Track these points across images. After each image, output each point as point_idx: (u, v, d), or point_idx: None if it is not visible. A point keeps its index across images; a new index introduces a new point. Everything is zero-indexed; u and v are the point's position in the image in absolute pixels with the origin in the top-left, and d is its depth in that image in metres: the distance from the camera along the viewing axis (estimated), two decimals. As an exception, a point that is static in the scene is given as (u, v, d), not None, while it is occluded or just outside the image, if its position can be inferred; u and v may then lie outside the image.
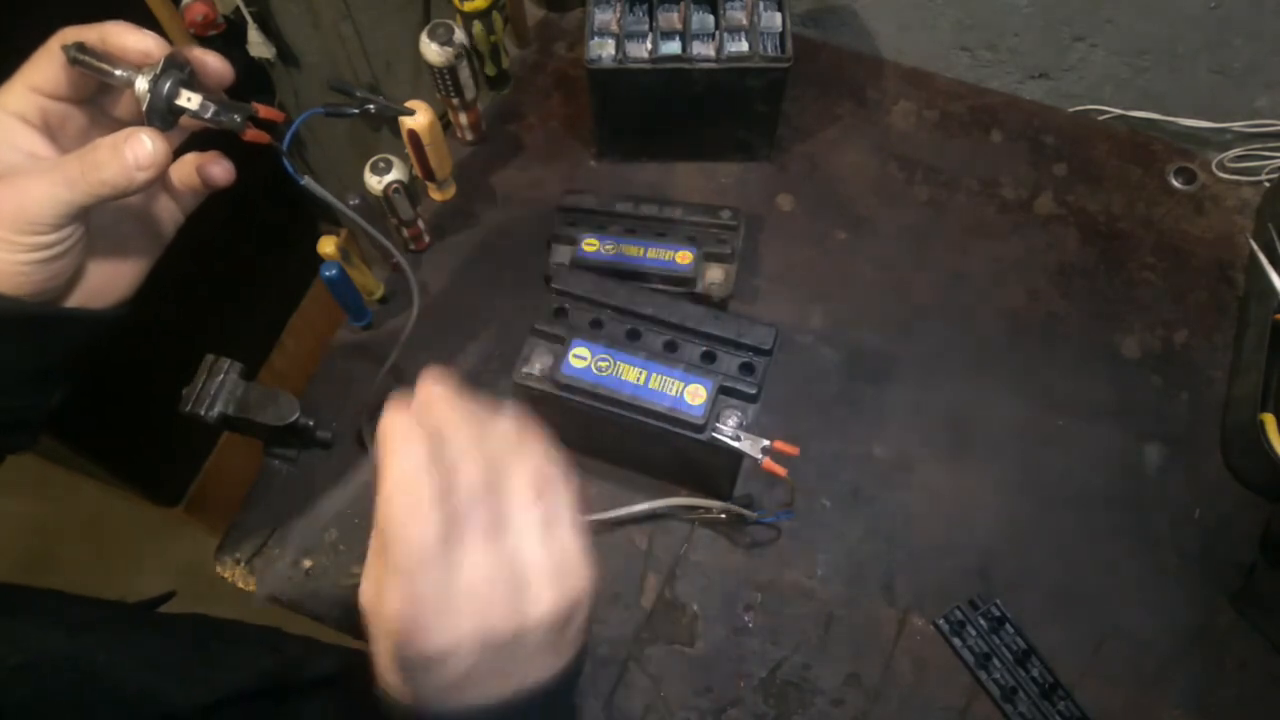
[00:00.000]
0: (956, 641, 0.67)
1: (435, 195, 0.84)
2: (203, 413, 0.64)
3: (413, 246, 0.82)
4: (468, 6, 0.78)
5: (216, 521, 1.49)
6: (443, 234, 0.83)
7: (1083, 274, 0.82)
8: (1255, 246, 0.76)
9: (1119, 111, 0.91)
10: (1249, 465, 0.72)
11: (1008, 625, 0.67)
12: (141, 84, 0.41)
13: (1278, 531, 0.68)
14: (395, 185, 0.71)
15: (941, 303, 0.81)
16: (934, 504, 0.73)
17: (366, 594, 0.36)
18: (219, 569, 0.71)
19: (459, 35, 0.76)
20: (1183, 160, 0.87)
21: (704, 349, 0.61)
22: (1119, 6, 0.82)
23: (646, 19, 0.78)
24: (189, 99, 0.42)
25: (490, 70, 0.86)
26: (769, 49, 0.76)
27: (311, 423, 0.72)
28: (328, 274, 0.69)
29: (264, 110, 0.45)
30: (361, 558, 0.69)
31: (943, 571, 0.70)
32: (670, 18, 0.79)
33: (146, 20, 0.98)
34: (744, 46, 0.76)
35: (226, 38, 1.14)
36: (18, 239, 0.40)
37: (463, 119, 0.84)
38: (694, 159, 0.87)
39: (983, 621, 0.68)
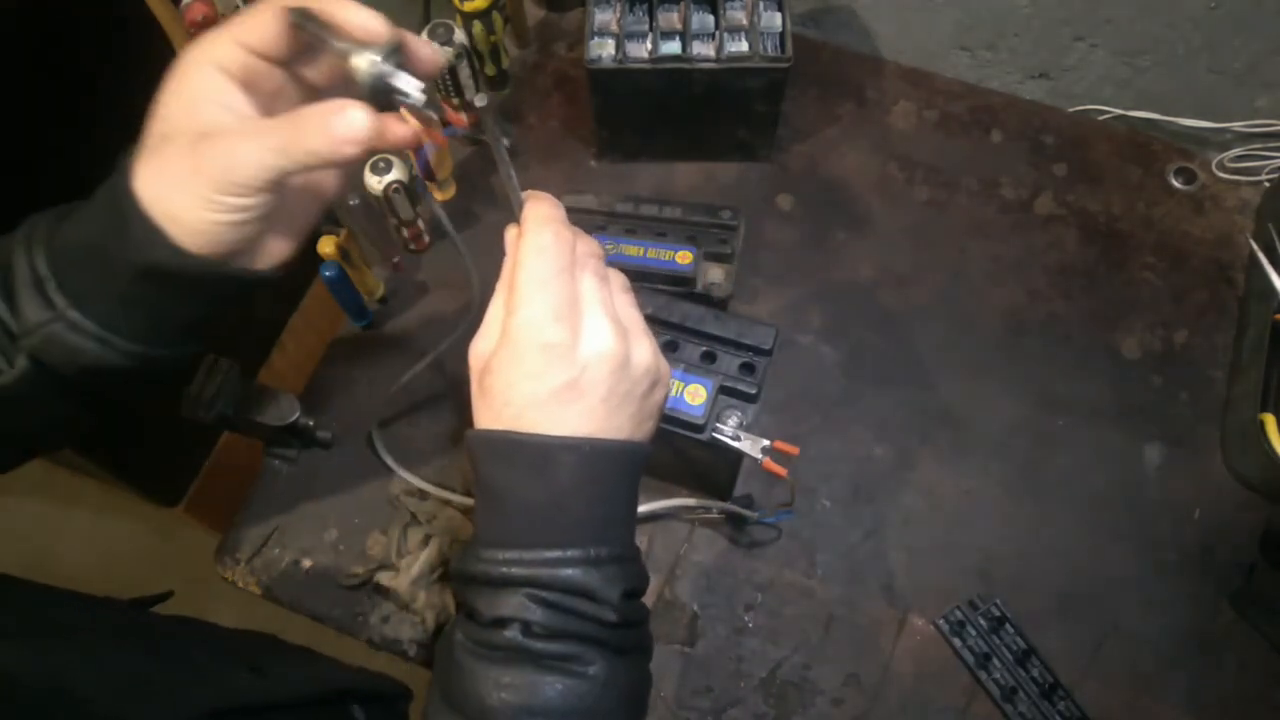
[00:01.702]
0: (956, 641, 0.67)
1: (435, 195, 0.84)
2: (203, 413, 0.64)
3: (413, 247, 0.82)
4: (468, 6, 0.78)
5: (216, 521, 1.49)
6: (443, 234, 0.83)
7: (1083, 274, 0.82)
8: (1255, 246, 0.76)
9: (1119, 111, 0.91)
10: (1249, 465, 0.72)
11: (1008, 625, 0.67)
12: (362, 60, 0.41)
13: (1278, 531, 0.68)
14: (395, 185, 0.71)
15: (941, 303, 0.81)
16: (934, 504, 0.73)
17: (477, 345, 0.44)
18: (219, 569, 0.71)
19: (459, 35, 0.76)
20: (1183, 160, 0.87)
21: (704, 349, 0.61)
22: (1119, 6, 0.82)
23: (646, 19, 0.78)
24: (406, 83, 0.42)
25: (490, 70, 0.86)
26: (769, 49, 0.76)
27: (311, 423, 0.72)
28: (328, 274, 0.69)
29: (452, 117, 0.44)
30: (361, 557, 0.70)
31: (943, 571, 0.70)
32: (670, 18, 0.79)
33: (147, 20, 0.98)
34: (744, 46, 0.76)
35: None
36: (220, 198, 0.40)
37: (463, 119, 0.84)
38: (694, 159, 0.87)
39: (983, 621, 0.68)
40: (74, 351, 0.43)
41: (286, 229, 0.47)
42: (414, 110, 0.43)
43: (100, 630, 0.46)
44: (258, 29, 0.42)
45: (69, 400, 0.46)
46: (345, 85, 0.47)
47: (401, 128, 0.41)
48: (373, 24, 0.42)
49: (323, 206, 0.50)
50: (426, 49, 0.44)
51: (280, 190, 0.42)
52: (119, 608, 0.53)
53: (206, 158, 0.40)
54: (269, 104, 0.44)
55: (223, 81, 0.42)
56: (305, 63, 0.45)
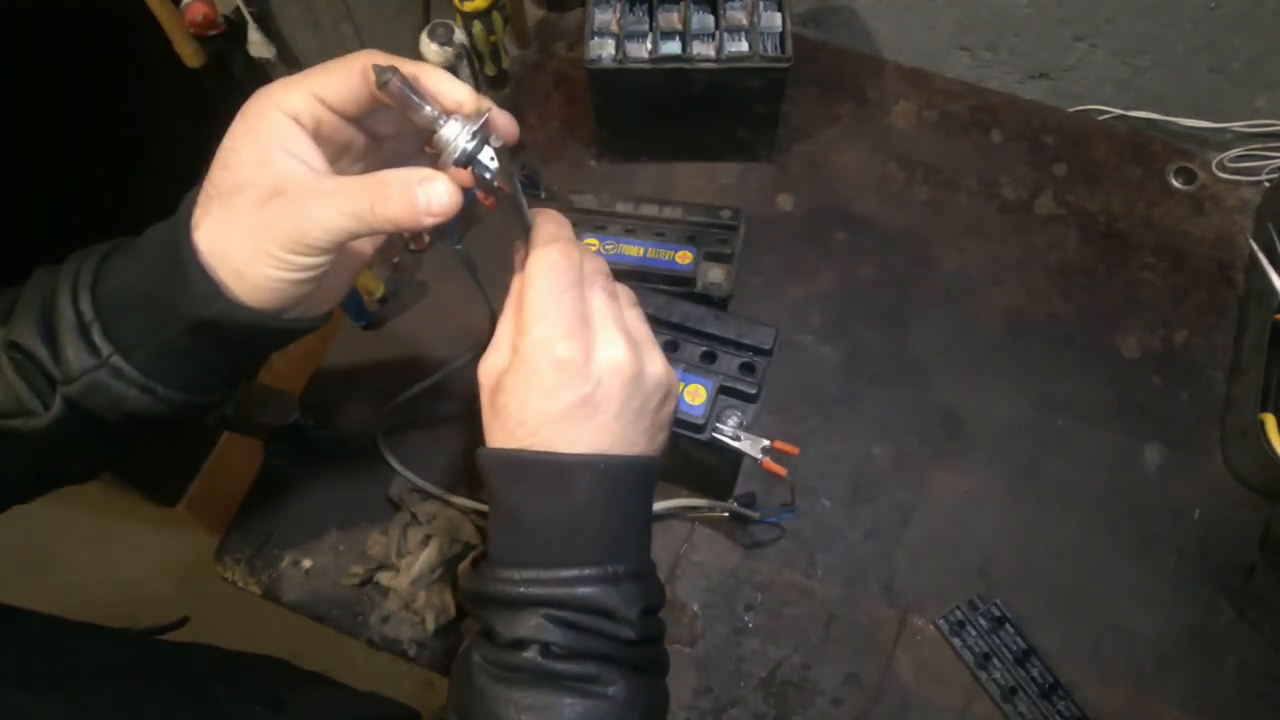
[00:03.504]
0: (956, 641, 0.67)
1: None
2: (203, 413, 0.64)
3: (413, 246, 0.82)
4: (468, 6, 0.78)
5: (216, 521, 1.49)
6: (443, 234, 0.83)
7: (1083, 274, 0.82)
8: (1255, 246, 0.76)
9: (1119, 111, 0.91)
10: (1249, 465, 0.72)
11: (1008, 625, 0.67)
12: (452, 130, 0.41)
13: (1278, 531, 0.68)
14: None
15: (941, 303, 0.81)
16: (934, 504, 0.73)
17: (488, 363, 0.44)
18: (219, 569, 0.71)
19: (459, 35, 0.76)
20: (1183, 160, 0.87)
21: (704, 349, 0.61)
22: (1119, 6, 0.82)
23: (646, 19, 0.78)
24: (492, 158, 0.41)
25: (490, 70, 0.86)
26: (769, 49, 0.76)
27: (311, 423, 0.72)
28: (328, 274, 0.69)
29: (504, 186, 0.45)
30: (361, 557, 0.70)
31: (943, 571, 0.70)
32: (670, 18, 0.79)
33: (147, 20, 0.98)
34: (744, 46, 0.76)
35: (227, 38, 1.14)
36: (288, 258, 0.39)
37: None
38: (694, 159, 0.87)
39: (983, 621, 0.68)
40: (117, 399, 0.42)
41: (334, 280, 0.46)
42: (487, 183, 0.42)
43: (123, 669, 0.46)
44: (336, 84, 0.41)
45: (101, 440, 0.46)
46: (413, 139, 0.47)
47: (458, 196, 0.41)
48: (463, 95, 0.41)
49: (367, 260, 0.49)
50: (505, 120, 0.43)
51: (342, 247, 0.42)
52: (135, 640, 0.52)
53: (278, 216, 0.39)
54: (334, 156, 0.44)
55: (295, 131, 0.41)
56: (374, 116, 0.44)
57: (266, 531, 0.72)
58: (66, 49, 0.98)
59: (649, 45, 0.77)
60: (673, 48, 0.76)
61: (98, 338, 0.42)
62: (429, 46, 0.75)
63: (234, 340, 0.43)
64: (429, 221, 0.40)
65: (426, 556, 0.68)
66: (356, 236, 0.40)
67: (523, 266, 0.44)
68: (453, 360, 0.65)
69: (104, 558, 1.60)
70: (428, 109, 0.41)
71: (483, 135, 0.41)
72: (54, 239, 0.46)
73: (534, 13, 0.95)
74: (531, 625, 0.41)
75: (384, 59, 0.41)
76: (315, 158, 0.41)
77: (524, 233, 0.45)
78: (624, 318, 0.45)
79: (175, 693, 0.46)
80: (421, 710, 0.59)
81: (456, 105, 0.41)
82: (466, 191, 0.42)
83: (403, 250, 0.82)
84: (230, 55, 1.17)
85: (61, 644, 0.46)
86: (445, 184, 0.40)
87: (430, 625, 0.67)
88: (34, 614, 0.46)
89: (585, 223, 0.75)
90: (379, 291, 0.79)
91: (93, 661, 0.45)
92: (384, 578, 0.69)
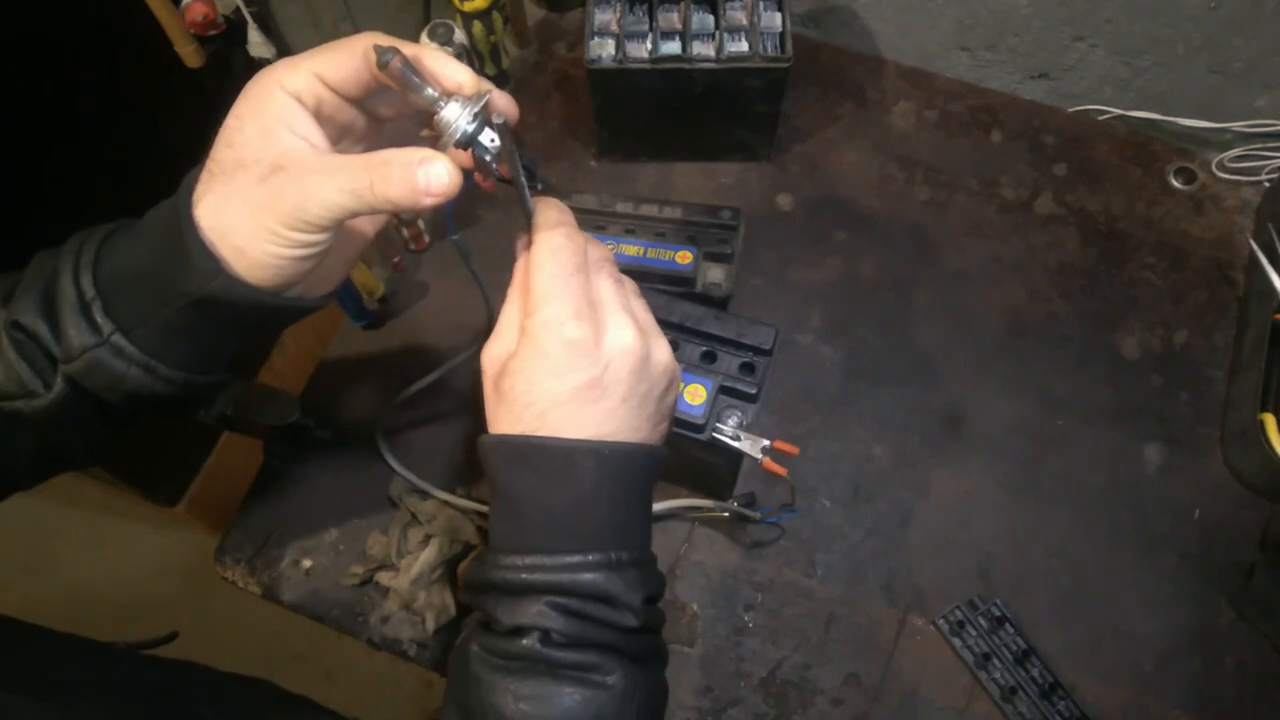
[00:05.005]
0: (956, 641, 0.67)
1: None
2: (203, 413, 0.64)
3: (413, 246, 0.82)
4: (468, 6, 0.78)
5: (216, 521, 1.49)
6: (443, 233, 0.83)
7: (1083, 274, 0.82)
8: (1255, 246, 0.76)
9: (1119, 111, 0.91)
10: (1249, 465, 0.72)
11: (1008, 625, 0.67)
12: (452, 112, 0.41)
13: (1278, 531, 0.68)
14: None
15: (941, 303, 0.81)
16: (934, 504, 0.73)
17: (492, 349, 0.44)
18: (219, 569, 0.71)
19: (459, 35, 0.76)
20: (1183, 160, 0.87)
21: (704, 349, 0.61)
22: (1119, 6, 0.82)
23: (646, 19, 0.78)
24: (492, 140, 0.42)
25: (490, 70, 0.86)
26: (769, 49, 0.76)
27: (311, 423, 0.72)
28: (328, 274, 0.69)
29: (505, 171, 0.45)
30: (361, 557, 0.70)
31: (943, 571, 0.70)
32: (670, 18, 0.79)
33: (147, 20, 0.98)
34: (744, 46, 0.76)
35: (227, 38, 1.14)
36: (288, 234, 0.40)
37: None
38: (694, 159, 0.87)
39: (983, 621, 0.68)
40: (117, 377, 0.42)
41: (336, 261, 0.46)
42: (486, 165, 0.42)
43: (111, 684, 0.45)
44: (338, 64, 0.41)
45: (103, 422, 0.46)
46: (414, 121, 0.47)
47: (458, 177, 0.41)
48: (463, 77, 0.41)
49: (368, 242, 0.49)
50: (505, 101, 0.43)
51: (341, 226, 0.42)
52: (123, 655, 0.51)
53: (279, 192, 0.39)
54: (336, 137, 0.44)
55: (298, 109, 0.41)
56: (376, 97, 0.44)
57: (266, 531, 0.72)
58: (67, 48, 0.98)
59: (649, 45, 0.77)
60: (673, 48, 0.76)
61: (99, 316, 0.42)
62: (429, 46, 0.75)
63: (235, 318, 0.43)
64: (428, 202, 0.40)
65: (426, 556, 0.68)
66: (356, 215, 0.40)
67: (525, 250, 0.44)
68: (452, 358, 0.65)
69: (104, 558, 1.60)
70: (428, 90, 0.41)
71: (483, 117, 0.41)
72: (52, 240, 0.46)
73: (534, 13, 0.95)
74: (533, 612, 0.40)
75: (386, 40, 0.41)
76: (317, 136, 0.42)
77: (525, 219, 0.45)
78: (630, 305, 0.45)
79: (163, 712, 0.45)
80: (421, 711, 0.59)
81: (457, 87, 0.42)
82: (466, 174, 0.42)
83: (402, 250, 0.82)
84: (230, 55, 1.17)
85: (52, 656, 0.46)
86: (445, 165, 0.40)
87: (430, 625, 0.67)
88: (25, 624, 0.46)
89: (585, 223, 0.75)
90: (379, 291, 0.79)
91: (81, 675, 0.45)
92: (384, 578, 0.69)
